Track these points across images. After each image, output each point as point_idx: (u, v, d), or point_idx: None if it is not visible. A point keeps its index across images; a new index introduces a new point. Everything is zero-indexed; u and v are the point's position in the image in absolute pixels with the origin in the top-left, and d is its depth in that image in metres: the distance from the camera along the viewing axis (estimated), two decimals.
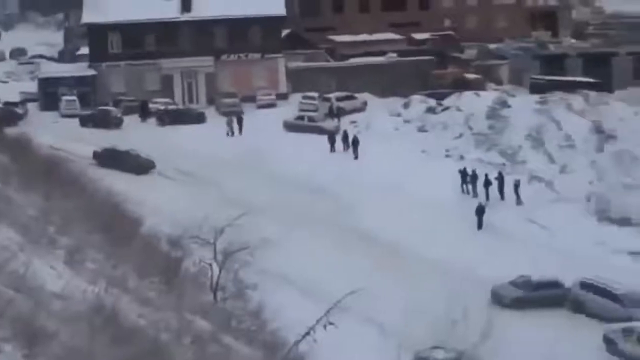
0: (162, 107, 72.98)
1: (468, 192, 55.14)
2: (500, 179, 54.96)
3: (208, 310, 24.21)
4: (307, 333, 20.24)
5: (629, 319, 38.96)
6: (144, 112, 72.03)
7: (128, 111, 72.37)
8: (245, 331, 26.39)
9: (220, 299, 29.77)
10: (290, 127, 67.44)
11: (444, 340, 29.35)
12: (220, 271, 31.02)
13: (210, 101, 76.74)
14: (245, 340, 24.67)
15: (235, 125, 66.38)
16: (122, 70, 77.99)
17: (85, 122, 70.15)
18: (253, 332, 26.47)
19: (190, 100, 78.24)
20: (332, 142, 61.89)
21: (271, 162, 58.96)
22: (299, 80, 78.01)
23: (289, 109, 71.79)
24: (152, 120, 71.76)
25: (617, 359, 37.17)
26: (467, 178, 55.31)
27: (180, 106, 75.62)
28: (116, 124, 69.96)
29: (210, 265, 31.39)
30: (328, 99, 72.75)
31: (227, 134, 65.99)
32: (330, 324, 19.56)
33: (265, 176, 55.89)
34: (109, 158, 56.57)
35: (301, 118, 68.53)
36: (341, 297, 21.32)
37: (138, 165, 56.53)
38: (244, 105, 73.07)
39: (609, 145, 63.62)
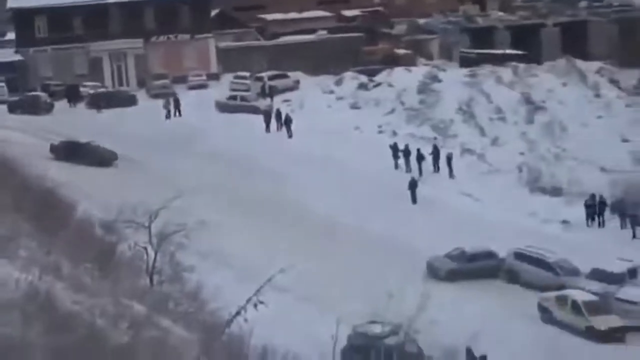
0: (92, 91, 72.14)
1: (400, 167, 55.44)
2: (436, 152, 55.38)
3: (144, 294, 24.14)
4: (238, 313, 20.30)
5: (562, 287, 39.68)
6: (74, 97, 71.11)
7: (57, 96, 71.39)
8: (183, 314, 26.33)
9: (156, 282, 29.66)
10: (222, 107, 67.13)
11: (381, 315, 29.60)
12: (155, 254, 30.87)
13: (141, 83, 76.07)
14: (184, 322, 24.62)
15: (173, 107, 65.77)
16: (49, 54, 76.92)
17: (13, 108, 69.07)
18: (191, 314, 26.43)
19: (120, 83, 77.47)
20: (267, 121, 61.73)
21: (206, 142, 58.67)
22: (230, 60, 77.64)
23: (221, 90, 71.47)
24: (82, 105, 70.86)
25: (552, 327, 37.82)
26: (399, 153, 55.64)
27: (110, 89, 74.84)
28: (46, 109, 68.98)
29: (146, 248, 31.23)
30: (260, 78, 72.55)
31: (166, 117, 65.29)
32: (261, 302, 19.60)
33: (201, 157, 55.56)
34: (68, 151, 54.30)
35: (234, 98, 68.24)
36: (272, 274, 21.34)
37: (99, 157, 54.30)
38: (175, 87, 72.57)
39: (538, 116, 64.51)
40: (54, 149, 54.98)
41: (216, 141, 58.63)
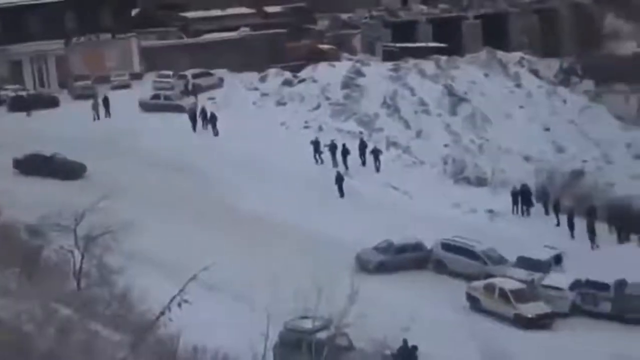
0: (13, 94, 70.94)
1: (322, 162, 55.15)
2: (362, 146, 55.55)
3: (72, 297, 23.89)
4: (162, 313, 20.16)
5: (490, 276, 40.21)
6: None
7: None
8: (113, 316, 26.13)
9: (84, 285, 29.38)
10: (146, 106, 66.52)
11: (312, 310, 29.64)
12: (82, 257, 30.55)
13: (62, 85, 75.01)
14: (113, 325, 24.43)
15: (102, 108, 64.78)
16: None
17: None
18: (120, 317, 26.23)
19: (42, 85, 76.27)
20: (193, 120, 61.22)
21: (131, 143, 58.00)
22: (153, 59, 76.97)
23: (144, 89, 70.85)
24: (3, 108, 69.61)
25: (480, 316, 38.30)
26: (321, 148, 55.44)
27: (32, 91, 73.67)
28: None
29: (72, 252, 30.88)
30: (183, 77, 72.05)
31: (94, 118, 64.33)
32: (185, 301, 19.51)
33: (128, 158, 54.90)
34: (33, 165, 52.43)
35: (157, 97, 67.66)
36: (196, 273, 21.25)
37: (67, 170, 52.32)
38: (97, 87, 71.73)
39: (461, 108, 65.26)
40: (18, 163, 53.28)
41: (142, 141, 58.06)
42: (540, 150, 62.26)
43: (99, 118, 64.40)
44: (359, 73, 68.80)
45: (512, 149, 61.61)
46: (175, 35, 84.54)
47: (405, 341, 31.26)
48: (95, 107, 64.60)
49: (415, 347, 31.23)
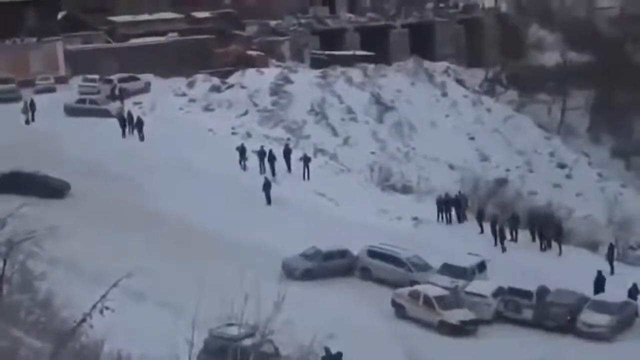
0: None
1: (245, 169, 55.12)
2: (287, 152, 55.63)
3: None
4: (83, 319, 19.96)
5: (415, 283, 40.55)
6: None
7: None
8: (35, 323, 25.76)
9: (6, 292, 28.89)
10: (71, 111, 65.72)
11: (237, 316, 29.59)
12: (4, 263, 30.05)
13: None
14: (35, 332, 24.10)
15: (29, 112, 63.72)
16: None
17: None
18: (43, 324, 25.88)
19: None
20: (122, 125, 60.54)
21: (57, 148, 57.21)
22: (78, 63, 76.12)
23: (70, 93, 70.00)
24: None
25: (406, 322, 38.58)
26: (245, 154, 55.30)
27: None
28: None
29: None
30: (110, 81, 71.38)
31: (26, 122, 63.27)
32: (106, 308, 19.33)
33: (52, 163, 54.08)
34: (11, 183, 49.45)
35: (82, 101, 66.90)
36: (118, 279, 21.07)
37: (48, 188, 49.61)
38: (21, 91, 70.66)
39: (388, 115, 65.82)
40: None
41: (65, 146, 57.34)
42: (465, 158, 63.05)
43: (34, 120, 63.30)
44: (287, 80, 69.00)
45: (438, 157, 62.32)
46: (102, 39, 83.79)
47: (327, 349, 31.35)
48: (25, 111, 63.59)
49: (339, 355, 31.32)
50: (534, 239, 47.38)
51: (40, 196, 47.00)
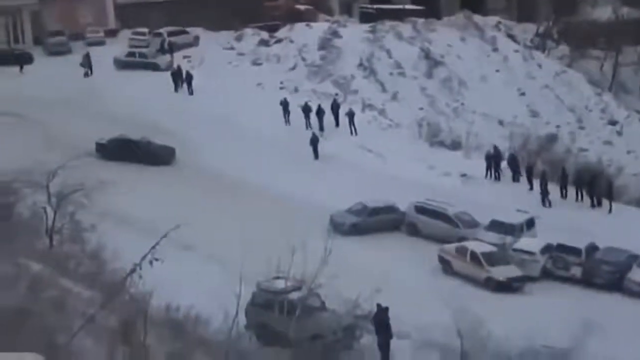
0: None
1: (289, 123, 54.82)
2: (335, 107, 55.46)
3: (44, 254, 23.84)
4: (133, 270, 20.15)
5: (462, 239, 40.42)
6: None
7: None
8: (85, 274, 26.10)
9: (56, 242, 29.32)
10: (121, 64, 66.03)
11: (284, 270, 29.74)
12: (55, 214, 30.45)
13: (37, 41, 74.24)
14: (85, 283, 24.41)
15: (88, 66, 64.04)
16: None
17: None
18: (92, 275, 26.22)
19: (16, 41, 75.49)
20: (175, 80, 60.67)
21: (109, 101, 57.52)
22: (128, 17, 76.24)
23: (119, 46, 70.28)
24: None
25: (452, 278, 38.53)
26: (288, 108, 55.10)
27: (5, 47, 72.87)
28: None
29: (44, 209, 30.77)
30: (159, 34, 71.50)
31: (85, 75, 63.69)
32: (156, 259, 19.50)
33: (105, 117, 54.32)
34: (117, 149, 48.72)
35: (132, 55, 67.16)
36: (167, 231, 21.21)
37: (153, 154, 48.64)
38: (72, 44, 71.05)
39: (437, 71, 65.21)
40: (100, 147, 49.28)
41: (117, 99, 57.59)
42: (515, 114, 62.43)
43: (92, 74, 63.60)
44: (336, 34, 68.54)
45: (488, 113, 61.74)
46: None
47: (379, 306, 31.40)
48: (84, 64, 63.86)
49: (386, 309, 31.34)
50: (582, 197, 46.89)
51: (142, 163, 47.29)
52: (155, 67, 64.39)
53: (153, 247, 19.68)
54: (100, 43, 72.35)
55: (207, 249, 37.57)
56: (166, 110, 55.82)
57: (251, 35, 70.33)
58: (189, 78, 60.57)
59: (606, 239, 40.81)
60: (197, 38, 72.49)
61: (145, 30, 72.26)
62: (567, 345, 27.32)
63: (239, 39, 70.41)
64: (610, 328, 31.24)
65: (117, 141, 49.46)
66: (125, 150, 48.66)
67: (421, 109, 60.42)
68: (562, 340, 27.38)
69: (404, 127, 56.92)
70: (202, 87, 59.69)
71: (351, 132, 54.41)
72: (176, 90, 60.50)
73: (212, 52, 67.97)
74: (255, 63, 66.42)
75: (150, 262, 19.59)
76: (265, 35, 70.29)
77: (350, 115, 54.72)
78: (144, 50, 68.12)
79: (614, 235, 41.27)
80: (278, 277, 30.92)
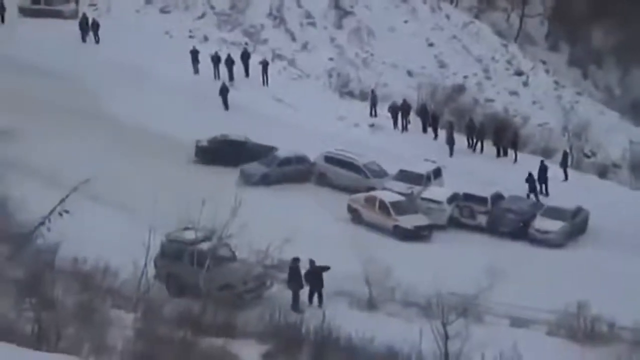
0: None
1: (198, 72, 54.22)
2: (246, 56, 55.02)
3: None
4: (42, 222, 19.99)
5: (371, 189, 40.82)
6: None
7: None
8: None
9: None
10: (26, 12, 64.51)
11: (194, 221, 29.73)
12: None
13: None
14: None
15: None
16: None
17: None
18: None
19: None
20: (83, 30, 59.40)
21: (9, 49, 56.20)
22: None
23: None
24: None
25: (362, 227, 38.95)
26: (197, 57, 54.31)
27: None
28: None
29: None
30: None
31: None
32: (66, 211, 19.37)
33: (10, 67, 53.04)
34: (217, 152, 43.97)
35: (37, 2, 65.62)
36: (77, 184, 21.04)
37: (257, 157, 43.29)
38: None
39: (347, 21, 65.25)
40: (200, 150, 44.17)
41: (20, 47, 56.29)
42: (423, 65, 62.94)
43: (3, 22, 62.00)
44: None
45: (396, 63, 62.12)
46: None
47: (311, 261, 31.58)
48: None
49: (297, 259, 31.55)
50: (486, 147, 47.61)
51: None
52: (59, 15, 63.07)
53: (63, 200, 19.51)
54: None
55: (116, 200, 37.21)
56: (73, 58, 54.73)
57: None
58: (96, 27, 59.43)
59: (511, 187, 41.69)
60: None
61: None
62: (473, 292, 27.92)
63: None
64: (515, 275, 31.99)
65: (217, 143, 44.44)
66: (225, 152, 43.72)
67: (331, 59, 60.50)
68: (468, 287, 27.98)
69: (314, 77, 56.99)
70: (109, 36, 58.59)
71: (263, 83, 54.10)
72: (84, 39, 59.35)
73: (119, 0, 66.72)
74: (164, 11, 65.43)
75: (60, 214, 19.45)
76: None
77: (265, 64, 54.24)
78: None
79: (519, 184, 42.19)
80: (187, 228, 30.89)
